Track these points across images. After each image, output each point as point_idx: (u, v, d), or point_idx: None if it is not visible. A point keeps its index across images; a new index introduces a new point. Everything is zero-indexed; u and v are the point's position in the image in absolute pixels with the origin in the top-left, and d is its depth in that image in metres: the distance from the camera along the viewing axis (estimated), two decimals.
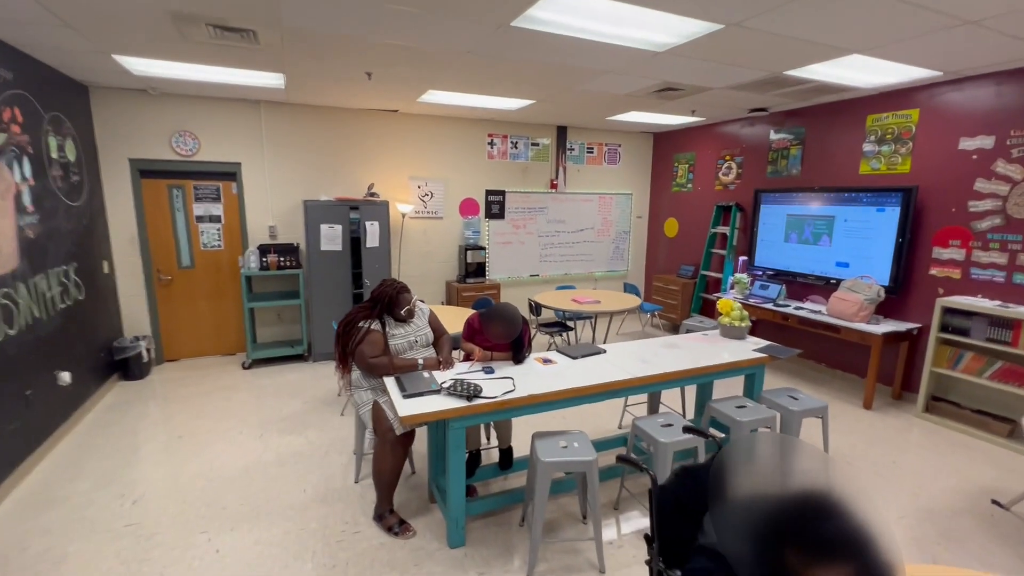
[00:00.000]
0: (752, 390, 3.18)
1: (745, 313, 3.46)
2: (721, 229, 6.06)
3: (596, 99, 4.80)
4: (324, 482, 3.02)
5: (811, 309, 4.73)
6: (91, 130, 4.48)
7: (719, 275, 6.06)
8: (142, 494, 2.87)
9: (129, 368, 4.62)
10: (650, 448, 2.54)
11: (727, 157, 6.02)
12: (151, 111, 4.69)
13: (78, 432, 3.63)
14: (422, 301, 2.94)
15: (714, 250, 6.20)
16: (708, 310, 6.27)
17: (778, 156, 5.39)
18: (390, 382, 2.51)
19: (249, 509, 2.75)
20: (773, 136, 5.42)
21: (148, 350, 4.77)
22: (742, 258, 5.68)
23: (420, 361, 2.66)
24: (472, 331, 2.91)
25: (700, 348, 3.18)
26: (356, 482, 3.01)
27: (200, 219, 5.10)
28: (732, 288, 5.59)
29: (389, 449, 2.56)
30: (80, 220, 4.08)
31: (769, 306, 4.97)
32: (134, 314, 4.92)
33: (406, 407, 2.22)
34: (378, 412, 2.62)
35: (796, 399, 3.04)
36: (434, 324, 2.94)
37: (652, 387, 2.77)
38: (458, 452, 2.33)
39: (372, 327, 2.67)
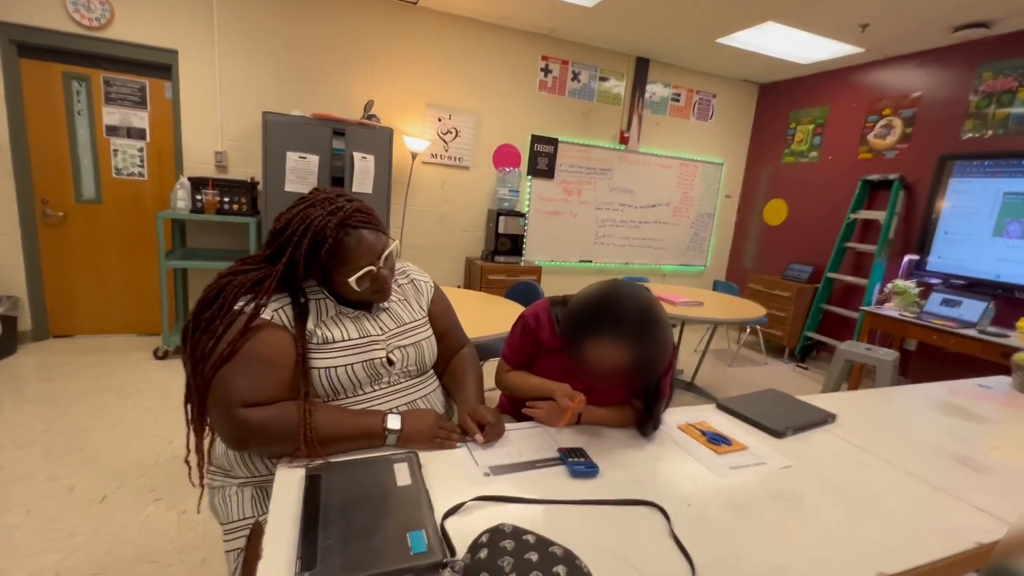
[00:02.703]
0: None
1: None
2: (866, 214, 4.20)
3: None
4: None
5: None
6: None
7: (859, 280, 4.20)
8: None
9: None
10: None
11: (886, 111, 4.15)
12: None
13: None
14: (410, 265, 1.24)
15: (849, 244, 4.35)
16: (833, 328, 4.42)
17: (990, 103, 3.52)
18: (285, 481, 0.79)
19: None
20: (983, 74, 3.55)
21: (10, 319, 3.14)
22: (908, 257, 3.84)
23: (392, 427, 0.94)
24: (533, 348, 1.18)
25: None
26: None
27: (113, 131, 3.43)
28: (888, 301, 3.76)
29: None
30: None
31: (968, 333, 3.15)
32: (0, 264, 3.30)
33: None
34: (258, 550, 0.90)
35: None
36: (442, 321, 1.22)
37: None
38: None
39: (265, 315, 0.96)
